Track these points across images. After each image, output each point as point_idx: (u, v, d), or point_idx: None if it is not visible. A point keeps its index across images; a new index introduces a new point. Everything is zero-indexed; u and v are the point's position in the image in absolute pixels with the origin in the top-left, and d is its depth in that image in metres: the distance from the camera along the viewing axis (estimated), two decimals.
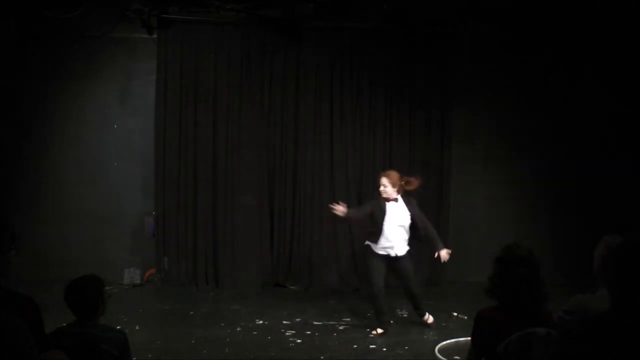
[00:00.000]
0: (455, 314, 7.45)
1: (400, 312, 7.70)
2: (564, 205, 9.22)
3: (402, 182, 6.77)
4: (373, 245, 6.77)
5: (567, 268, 8.46)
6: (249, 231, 8.82)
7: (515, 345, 3.02)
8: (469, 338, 3.26)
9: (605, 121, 9.14)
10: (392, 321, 7.07)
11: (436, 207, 9.14)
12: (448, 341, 6.48)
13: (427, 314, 7.08)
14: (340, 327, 7.01)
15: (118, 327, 3.52)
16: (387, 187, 6.71)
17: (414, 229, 6.80)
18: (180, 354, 6.09)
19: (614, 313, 2.30)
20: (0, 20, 8.22)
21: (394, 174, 6.82)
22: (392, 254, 6.73)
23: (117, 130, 9.08)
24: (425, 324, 7.05)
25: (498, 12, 8.42)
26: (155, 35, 8.68)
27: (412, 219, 6.76)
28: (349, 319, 7.20)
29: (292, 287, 8.87)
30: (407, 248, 6.82)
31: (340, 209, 6.72)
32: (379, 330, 6.81)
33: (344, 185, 9.01)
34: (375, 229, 6.73)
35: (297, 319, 7.21)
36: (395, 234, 6.71)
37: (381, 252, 6.75)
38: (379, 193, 6.79)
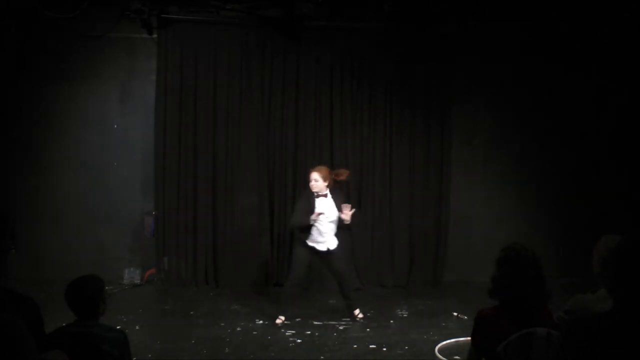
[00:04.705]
0: (455, 314, 7.45)
1: (400, 312, 7.70)
2: (564, 205, 9.22)
3: (332, 176, 6.99)
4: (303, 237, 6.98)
5: (568, 268, 8.46)
6: (249, 231, 8.82)
7: (515, 345, 3.02)
8: (469, 338, 3.26)
9: (606, 120, 9.15)
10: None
11: (436, 207, 9.15)
12: (448, 341, 6.48)
13: (357, 309, 7.22)
14: (340, 327, 7.01)
15: (118, 327, 3.51)
16: (318, 182, 6.89)
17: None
18: (180, 354, 6.09)
19: (614, 313, 2.30)
20: (0, 20, 8.21)
21: (324, 169, 7.04)
22: (323, 248, 6.92)
23: (117, 130, 9.08)
24: (353, 317, 7.16)
25: (497, 12, 8.42)
26: (155, 35, 8.68)
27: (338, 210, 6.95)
28: (349, 319, 7.19)
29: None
30: (337, 242, 6.98)
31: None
32: (282, 318, 7.07)
33: (344, 185, 8.99)
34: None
35: (297, 319, 7.20)
36: (325, 229, 6.88)
37: (310, 244, 6.93)
38: (309, 188, 6.97)
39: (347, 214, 6.85)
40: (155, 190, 8.84)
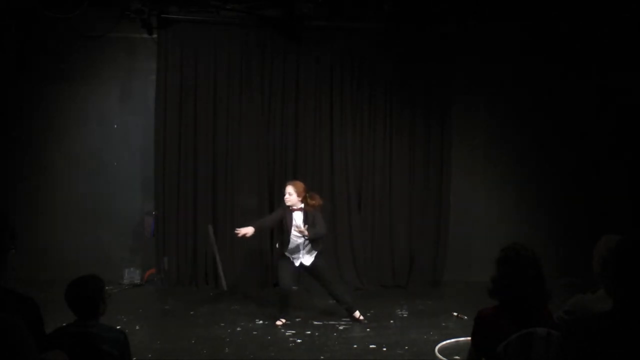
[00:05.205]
0: (455, 314, 7.45)
1: (400, 312, 7.70)
2: (564, 205, 9.22)
3: (306, 194, 6.99)
4: (284, 249, 7.04)
5: (568, 268, 8.46)
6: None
7: (515, 345, 3.02)
8: (469, 338, 3.26)
9: (606, 120, 9.15)
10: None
11: (436, 207, 9.15)
12: (448, 341, 6.47)
13: (357, 311, 7.20)
14: (340, 327, 7.01)
15: (118, 327, 3.51)
16: (292, 196, 6.93)
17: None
18: (180, 354, 6.08)
19: (614, 313, 2.30)
20: (1, 20, 8.21)
21: (300, 184, 7.07)
22: (297, 263, 6.98)
23: (117, 130, 9.09)
24: (354, 319, 7.16)
25: (497, 12, 8.42)
26: (155, 35, 8.68)
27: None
28: (349, 319, 7.19)
29: (292, 287, 8.85)
30: (313, 255, 6.99)
31: (243, 231, 6.94)
32: (283, 320, 7.02)
33: (344, 185, 9.01)
34: (283, 235, 7.00)
35: (297, 319, 7.20)
36: (297, 244, 6.93)
37: (287, 255, 7.00)
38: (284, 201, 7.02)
39: (301, 229, 6.83)
40: (155, 190, 8.84)
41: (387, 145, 9.11)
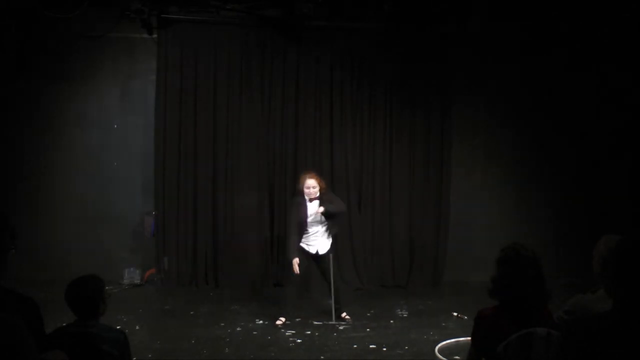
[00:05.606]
0: (455, 314, 7.45)
1: (400, 312, 7.70)
2: (564, 204, 9.22)
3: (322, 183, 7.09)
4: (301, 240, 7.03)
5: (568, 267, 8.46)
6: (249, 231, 8.82)
7: (515, 345, 3.02)
8: (469, 338, 3.26)
9: (606, 120, 9.15)
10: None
11: (436, 207, 9.15)
12: (448, 341, 6.47)
13: (344, 312, 7.22)
14: (340, 327, 7.01)
15: (118, 327, 3.51)
16: (316, 189, 6.96)
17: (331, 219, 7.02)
18: (180, 354, 6.08)
19: (614, 313, 2.30)
20: (1, 20, 8.21)
21: (316, 175, 7.14)
22: (313, 251, 6.99)
23: (117, 130, 9.09)
24: (342, 319, 7.17)
25: (497, 12, 8.43)
26: (155, 35, 8.69)
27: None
28: (349, 319, 7.19)
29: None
30: (330, 243, 7.05)
31: (296, 265, 6.83)
32: (282, 319, 7.05)
33: (344, 185, 9.01)
34: (299, 228, 6.97)
35: (297, 319, 7.20)
36: (316, 232, 6.96)
37: (305, 248, 6.98)
38: (303, 193, 6.95)
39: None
40: (155, 190, 8.84)
41: (387, 145, 9.12)
